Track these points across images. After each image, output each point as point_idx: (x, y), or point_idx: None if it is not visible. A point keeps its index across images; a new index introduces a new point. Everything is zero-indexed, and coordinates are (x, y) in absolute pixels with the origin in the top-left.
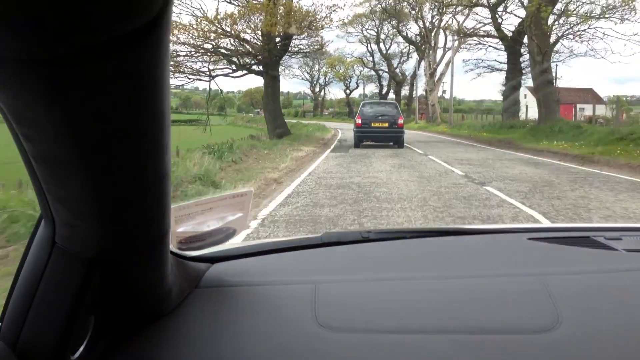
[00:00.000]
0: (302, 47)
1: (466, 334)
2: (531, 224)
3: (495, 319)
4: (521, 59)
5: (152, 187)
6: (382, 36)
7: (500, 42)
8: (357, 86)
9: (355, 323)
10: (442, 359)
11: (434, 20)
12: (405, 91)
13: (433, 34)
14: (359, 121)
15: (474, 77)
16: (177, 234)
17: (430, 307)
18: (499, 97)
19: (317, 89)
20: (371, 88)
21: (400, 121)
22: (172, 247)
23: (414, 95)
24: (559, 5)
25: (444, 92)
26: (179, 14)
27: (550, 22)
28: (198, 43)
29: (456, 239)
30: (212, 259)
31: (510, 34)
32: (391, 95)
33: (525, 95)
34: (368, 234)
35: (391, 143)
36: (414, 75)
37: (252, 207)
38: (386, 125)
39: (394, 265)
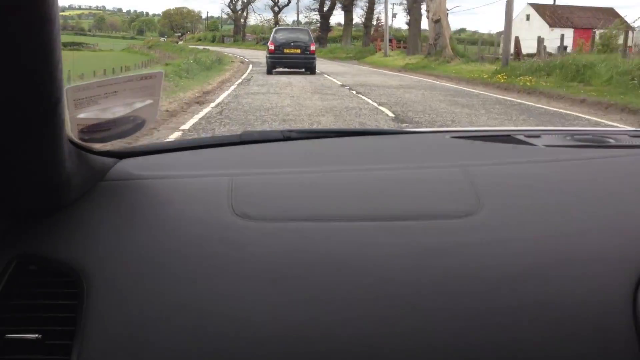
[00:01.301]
0: None
1: (389, 221)
2: (455, 128)
3: (419, 205)
4: None
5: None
6: None
7: None
8: (289, 2)
9: (273, 211)
10: (364, 244)
11: None
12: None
13: None
14: (271, 47)
15: None
16: (77, 120)
17: (352, 195)
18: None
19: (238, 7)
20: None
21: (313, 48)
22: (72, 135)
23: (376, 16)
24: None
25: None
26: None
27: None
28: None
29: (380, 138)
30: (121, 154)
31: None
32: (339, 17)
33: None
34: (290, 132)
35: (303, 70)
36: None
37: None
38: (299, 51)
39: (315, 161)
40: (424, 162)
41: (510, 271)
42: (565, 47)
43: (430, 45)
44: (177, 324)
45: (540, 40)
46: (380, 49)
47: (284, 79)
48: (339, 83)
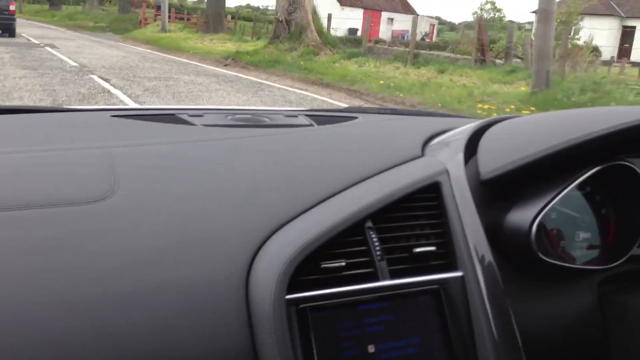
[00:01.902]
0: None
1: (2, 212)
2: (121, 106)
3: (42, 193)
4: None
5: None
6: None
7: None
8: None
9: None
10: None
11: None
12: None
13: None
14: None
15: None
16: None
17: None
18: None
19: None
20: None
21: (12, 7)
22: None
23: None
24: None
25: None
26: None
27: None
28: None
29: (33, 117)
30: None
31: None
32: None
33: None
34: None
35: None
36: None
37: None
38: None
39: None
40: (67, 143)
41: (130, 258)
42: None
43: (279, 24)
44: None
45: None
46: (146, 20)
47: None
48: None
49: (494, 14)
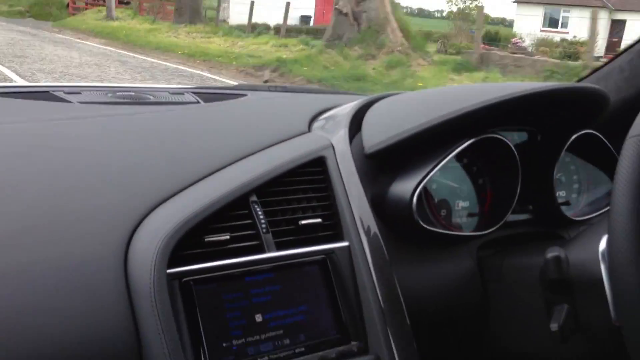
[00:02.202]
0: None
1: None
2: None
3: None
4: None
5: None
6: None
7: None
8: None
9: None
10: None
11: None
12: None
13: None
14: None
15: None
16: None
17: None
18: None
19: None
20: None
21: None
22: None
23: None
24: None
25: None
26: None
27: None
28: None
29: None
30: None
31: None
32: None
33: None
34: None
35: None
36: None
37: None
38: None
39: None
40: None
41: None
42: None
43: (340, 18)
44: None
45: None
46: (74, 3)
47: None
48: None
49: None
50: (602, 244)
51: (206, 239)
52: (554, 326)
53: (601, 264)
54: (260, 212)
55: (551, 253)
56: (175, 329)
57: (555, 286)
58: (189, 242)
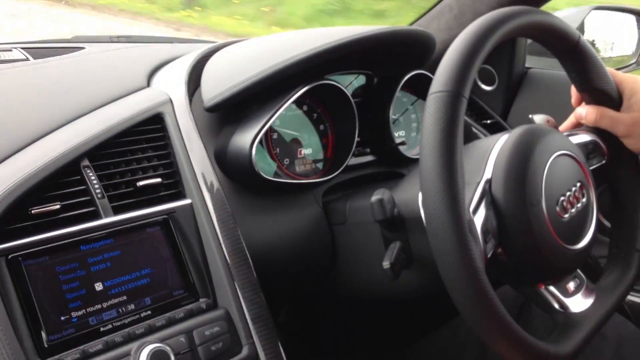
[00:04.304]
0: None
1: None
2: None
3: None
4: None
5: None
6: None
7: None
8: None
9: None
10: None
11: None
12: None
13: None
14: None
15: None
16: None
17: None
18: None
19: None
20: None
21: None
22: None
23: None
24: None
25: None
26: None
27: None
28: None
29: None
30: None
31: None
32: None
33: None
34: None
35: None
36: None
37: None
38: None
39: None
40: None
41: None
42: None
43: None
44: None
45: None
46: None
47: None
48: None
49: None
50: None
51: (33, 211)
52: (385, 264)
53: (421, 210)
54: (93, 177)
55: (375, 197)
56: (3, 308)
57: (388, 225)
58: (14, 215)
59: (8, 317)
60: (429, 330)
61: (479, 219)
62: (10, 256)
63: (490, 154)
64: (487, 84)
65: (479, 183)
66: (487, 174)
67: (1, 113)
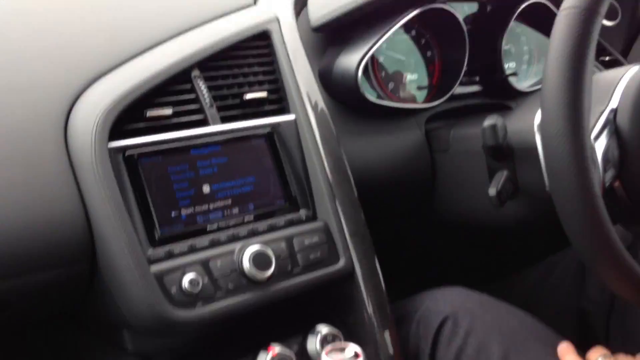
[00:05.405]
0: None
1: None
2: None
3: None
4: None
5: None
6: None
7: None
8: None
9: None
10: None
11: None
12: None
13: None
14: None
15: None
16: None
17: None
18: None
19: None
20: None
21: None
22: None
23: None
24: None
25: None
26: None
27: None
28: None
29: None
30: None
31: None
32: None
33: None
34: None
35: None
36: None
37: None
38: None
39: None
40: None
41: None
42: None
43: None
44: None
45: None
46: None
47: None
48: None
49: None
50: (538, 116)
51: (148, 113)
52: (492, 191)
53: (536, 135)
54: (203, 86)
55: (488, 121)
56: (120, 199)
57: (497, 153)
58: (131, 116)
59: (126, 208)
60: (522, 267)
61: (599, 147)
62: (127, 153)
63: (619, 83)
64: (609, 19)
65: (602, 111)
66: (613, 103)
67: (117, 22)
